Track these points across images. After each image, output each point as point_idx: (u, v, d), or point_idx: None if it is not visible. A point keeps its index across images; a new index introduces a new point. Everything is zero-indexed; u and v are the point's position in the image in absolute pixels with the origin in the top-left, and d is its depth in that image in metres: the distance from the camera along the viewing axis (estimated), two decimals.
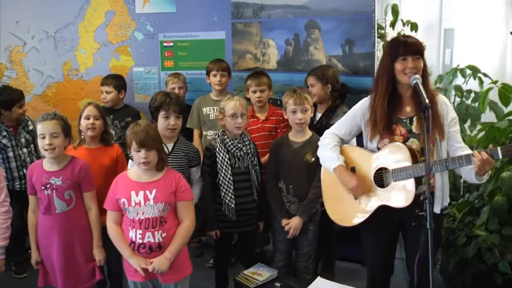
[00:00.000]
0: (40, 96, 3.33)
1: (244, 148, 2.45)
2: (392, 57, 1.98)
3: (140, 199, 2.03)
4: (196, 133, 3.16)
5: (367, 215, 2.06)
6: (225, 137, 2.45)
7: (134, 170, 2.14)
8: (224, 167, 2.40)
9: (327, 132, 2.24)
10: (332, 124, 2.57)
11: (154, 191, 2.05)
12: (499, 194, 2.46)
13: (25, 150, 3.06)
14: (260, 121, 2.88)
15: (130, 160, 2.40)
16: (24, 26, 3.21)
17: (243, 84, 3.29)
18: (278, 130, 2.87)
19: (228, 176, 2.40)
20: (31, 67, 3.28)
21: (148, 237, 2.03)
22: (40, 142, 2.12)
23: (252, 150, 2.50)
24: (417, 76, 1.92)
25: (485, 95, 2.76)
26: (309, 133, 2.48)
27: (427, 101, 1.78)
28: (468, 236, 2.47)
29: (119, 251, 2.10)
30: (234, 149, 2.44)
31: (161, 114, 2.39)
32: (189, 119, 3.14)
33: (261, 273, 2.30)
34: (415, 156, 1.96)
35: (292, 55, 3.19)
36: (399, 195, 1.96)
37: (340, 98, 2.77)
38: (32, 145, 3.09)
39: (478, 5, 4.14)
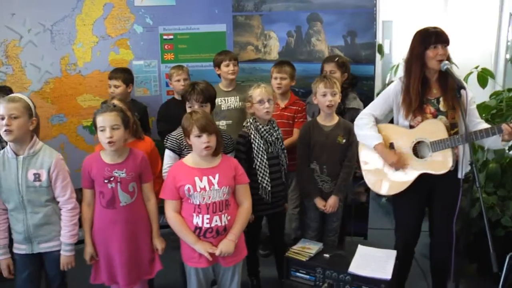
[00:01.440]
0: (38, 93, 3.16)
1: (274, 134, 2.60)
2: (426, 45, 2.27)
3: (205, 184, 2.11)
4: None
5: (408, 184, 2.34)
6: (258, 123, 2.58)
7: (190, 158, 2.20)
8: (261, 153, 2.52)
9: (363, 113, 2.48)
10: (347, 108, 2.84)
11: (217, 176, 2.13)
12: (492, 162, 2.89)
13: None
14: (280, 108, 3.03)
15: (167, 151, 2.44)
16: (20, 19, 3.02)
17: (245, 74, 3.43)
18: (296, 120, 3.05)
19: (265, 161, 2.53)
20: (28, 62, 3.09)
21: (216, 221, 2.11)
22: (101, 135, 2.09)
23: (280, 135, 2.66)
24: (447, 62, 2.23)
25: (466, 78, 3.17)
26: (336, 117, 2.69)
27: (462, 83, 2.09)
28: (471, 200, 2.85)
29: (183, 239, 2.15)
30: (267, 134, 2.57)
31: (187, 104, 2.45)
32: None
33: (309, 246, 2.48)
34: (447, 130, 2.28)
35: (294, 46, 3.39)
36: (439, 163, 2.26)
37: (351, 85, 3.02)
38: None
39: None
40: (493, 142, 2.25)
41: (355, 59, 3.20)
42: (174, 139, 2.41)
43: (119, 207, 2.15)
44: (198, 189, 2.09)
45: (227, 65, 3.14)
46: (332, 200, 2.65)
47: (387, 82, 3.99)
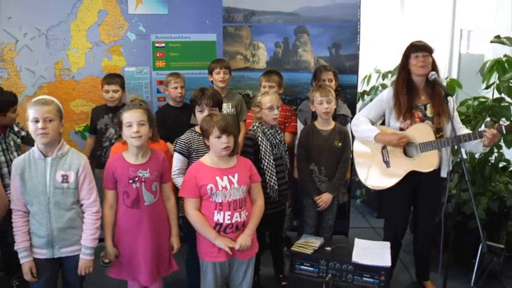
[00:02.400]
0: (32, 98, 3.12)
1: (278, 136, 2.79)
2: (408, 54, 2.59)
3: (226, 184, 2.25)
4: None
5: (399, 179, 2.64)
6: (264, 127, 2.76)
7: (209, 158, 2.33)
8: (268, 154, 2.70)
9: (358, 115, 2.77)
10: (337, 114, 3.11)
11: (236, 176, 2.28)
12: (466, 163, 3.25)
13: (15, 154, 2.89)
14: None
15: (176, 154, 2.55)
16: (16, 23, 3.00)
17: (234, 82, 3.61)
18: (287, 125, 3.26)
19: (271, 161, 2.71)
20: (23, 66, 3.07)
21: (236, 217, 2.26)
22: (127, 131, 2.15)
23: (282, 138, 2.85)
24: (434, 72, 2.54)
25: None
26: (332, 123, 2.93)
27: (448, 91, 2.42)
28: (448, 196, 3.19)
29: (203, 235, 2.27)
30: (272, 137, 2.76)
31: (197, 108, 2.58)
32: (193, 116, 3.32)
33: (312, 241, 2.68)
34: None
35: (282, 56, 3.61)
36: (426, 162, 2.56)
37: (338, 92, 3.28)
38: (19, 149, 2.93)
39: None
40: (474, 147, 2.57)
41: (340, 69, 3.47)
42: (183, 142, 2.52)
43: (143, 206, 2.23)
44: (220, 188, 2.23)
45: (218, 73, 3.29)
46: (326, 196, 2.87)
47: (360, 90, 4.31)
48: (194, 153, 2.49)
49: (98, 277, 2.40)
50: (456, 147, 2.40)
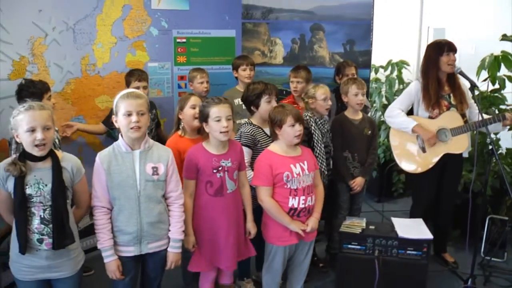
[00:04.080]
0: (60, 94, 3.02)
1: (325, 126, 2.99)
2: (440, 53, 2.89)
3: (299, 170, 2.40)
4: None
5: (435, 163, 2.94)
6: (315, 117, 2.94)
7: (278, 147, 2.45)
8: (320, 142, 2.88)
9: (392, 107, 3.04)
10: None
11: (305, 163, 2.44)
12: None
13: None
14: (301, 108, 3.39)
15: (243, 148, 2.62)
16: (46, 16, 2.88)
17: None
18: None
19: (323, 149, 2.90)
20: (51, 61, 2.95)
21: (309, 201, 2.42)
22: (216, 125, 2.20)
23: (328, 127, 3.05)
24: (459, 66, 2.87)
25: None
26: (361, 113, 3.16)
27: (475, 82, 2.76)
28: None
29: (278, 220, 2.40)
30: (322, 127, 2.96)
31: (264, 99, 2.67)
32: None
33: (358, 221, 2.90)
34: None
35: (298, 52, 3.80)
36: (458, 144, 2.91)
37: None
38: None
39: None
40: (494, 127, 2.94)
41: None
42: (248, 135, 2.62)
43: (226, 194, 2.30)
44: (295, 175, 2.37)
45: (244, 70, 3.40)
46: (359, 180, 3.11)
47: None
48: (258, 144, 2.61)
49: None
50: (486, 130, 2.73)
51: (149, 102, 3.14)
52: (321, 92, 2.90)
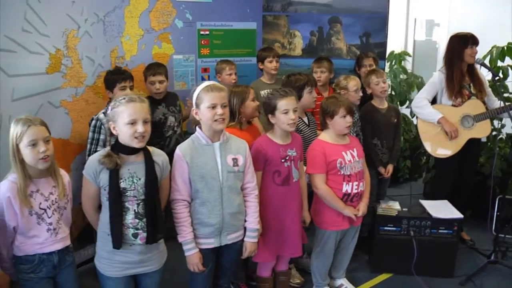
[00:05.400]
0: (91, 87, 2.97)
1: (355, 115, 3.11)
2: (465, 45, 3.08)
3: (350, 158, 2.51)
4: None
5: (461, 147, 3.17)
6: None
7: (328, 137, 2.55)
8: (351, 131, 3.01)
9: (419, 97, 3.22)
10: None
11: (355, 150, 2.56)
12: None
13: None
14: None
15: None
16: (78, 7, 2.81)
17: None
18: None
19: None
20: (84, 54, 2.89)
21: (361, 187, 2.55)
22: (284, 117, 2.26)
23: (357, 117, 3.17)
24: (479, 58, 3.08)
25: None
26: (386, 102, 3.31)
27: (495, 72, 2.98)
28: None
29: (333, 206, 2.50)
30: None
31: (307, 90, 2.79)
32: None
33: (392, 204, 3.07)
34: None
35: (316, 44, 3.89)
36: (482, 130, 3.15)
37: None
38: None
39: None
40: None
41: None
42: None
43: (292, 183, 2.38)
44: (347, 162, 2.49)
45: (271, 62, 3.46)
46: (391, 167, 3.28)
47: None
48: (300, 134, 2.70)
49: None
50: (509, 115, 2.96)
51: (173, 94, 3.29)
52: (353, 84, 3.02)
